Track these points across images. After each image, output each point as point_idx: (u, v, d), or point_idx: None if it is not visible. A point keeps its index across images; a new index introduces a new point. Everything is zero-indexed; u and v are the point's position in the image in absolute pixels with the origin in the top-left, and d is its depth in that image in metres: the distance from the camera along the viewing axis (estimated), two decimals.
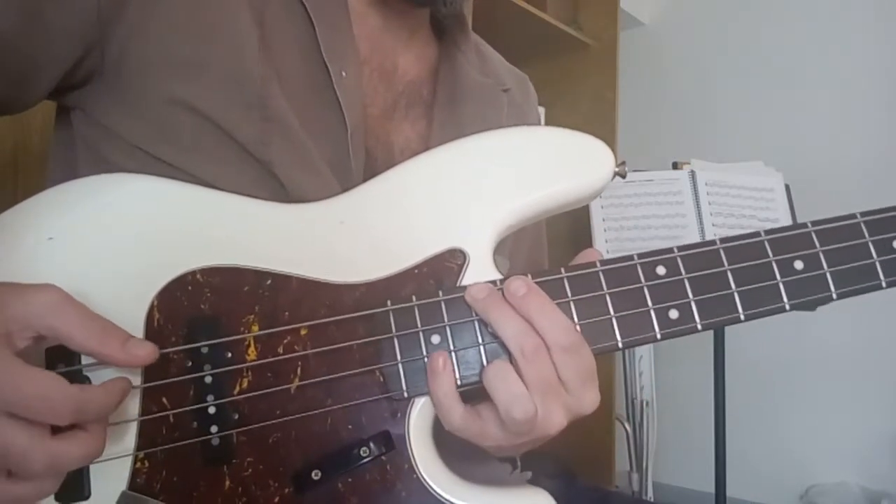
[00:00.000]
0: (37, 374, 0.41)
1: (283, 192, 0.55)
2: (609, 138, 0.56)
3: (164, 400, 0.48)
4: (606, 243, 1.81)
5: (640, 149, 2.41)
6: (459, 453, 0.52)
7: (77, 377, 0.46)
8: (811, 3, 2.42)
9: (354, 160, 0.59)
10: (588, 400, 0.49)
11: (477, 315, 0.50)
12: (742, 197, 1.79)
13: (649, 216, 1.79)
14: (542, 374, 0.47)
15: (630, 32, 2.72)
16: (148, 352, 0.45)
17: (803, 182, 1.91)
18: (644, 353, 2.41)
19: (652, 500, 2.37)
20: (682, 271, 0.52)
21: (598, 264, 0.52)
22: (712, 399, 1.87)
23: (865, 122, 2.29)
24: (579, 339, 0.48)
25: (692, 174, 1.80)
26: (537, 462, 0.73)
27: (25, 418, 0.40)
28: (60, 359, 0.45)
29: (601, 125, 2.34)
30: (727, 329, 1.88)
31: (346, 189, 0.56)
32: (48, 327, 0.42)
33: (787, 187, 1.82)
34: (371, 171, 0.58)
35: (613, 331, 0.51)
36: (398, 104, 0.67)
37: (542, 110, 0.78)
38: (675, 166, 1.86)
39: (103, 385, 0.44)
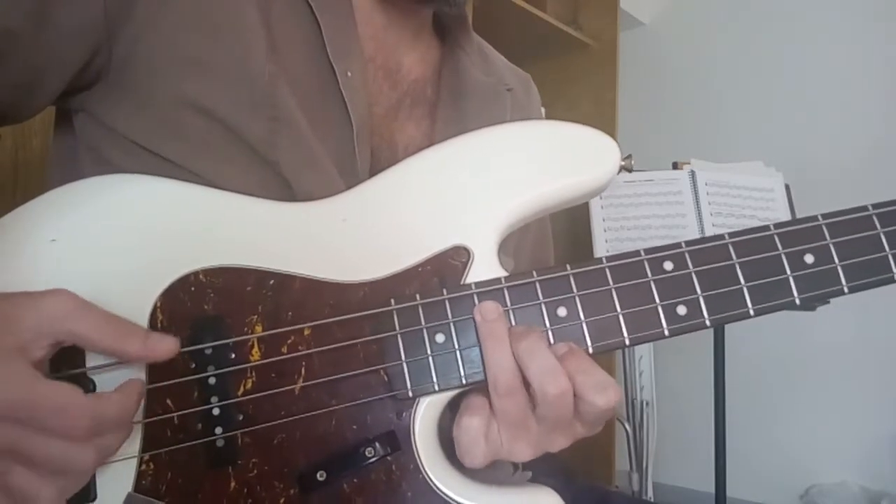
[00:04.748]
0: (53, 387, 0.40)
1: (289, 191, 0.55)
2: None
3: (169, 401, 0.47)
4: (606, 243, 1.80)
5: (640, 149, 2.39)
6: None
7: (82, 380, 0.45)
8: (811, 4, 2.43)
9: (360, 160, 0.59)
10: (594, 432, 0.50)
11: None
12: (742, 197, 1.79)
13: (649, 216, 1.79)
14: (566, 415, 0.48)
15: (630, 32, 2.72)
16: (169, 345, 0.44)
17: (803, 182, 1.91)
18: (644, 353, 2.41)
19: (652, 500, 2.37)
20: (690, 266, 0.51)
21: (604, 260, 0.51)
22: (712, 399, 1.86)
23: (866, 122, 2.29)
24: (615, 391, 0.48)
25: (692, 174, 1.79)
26: (537, 462, 0.73)
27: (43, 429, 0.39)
28: (63, 362, 0.45)
29: (601, 125, 2.32)
30: (727, 329, 1.88)
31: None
32: (66, 332, 0.41)
33: (787, 187, 1.82)
34: (376, 170, 0.58)
35: (620, 327, 0.50)
36: (402, 103, 0.67)
37: (542, 111, 0.78)
38: (675, 166, 1.86)
39: (119, 389, 0.43)
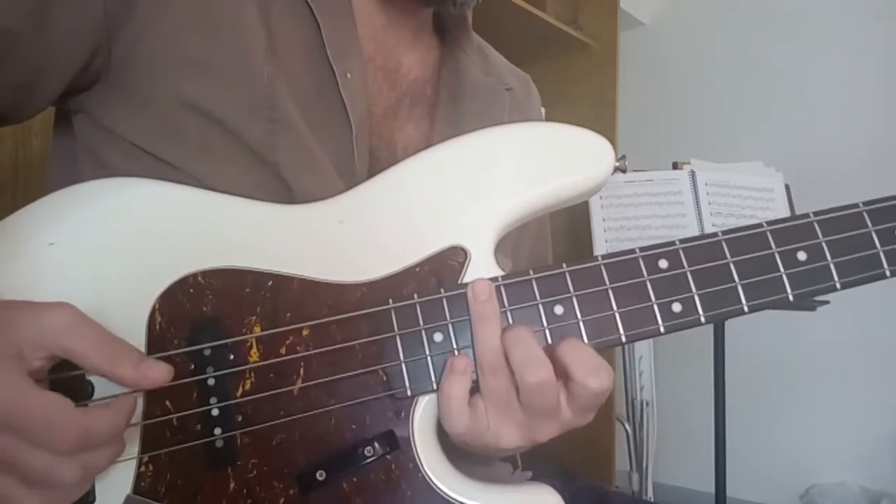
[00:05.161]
0: (44, 398, 0.39)
1: (288, 193, 0.55)
2: (609, 138, 0.57)
3: (168, 403, 0.47)
4: (606, 243, 1.80)
5: (640, 149, 2.41)
6: (461, 454, 0.52)
7: (81, 383, 0.45)
8: (811, 4, 2.43)
9: (358, 161, 0.59)
10: (585, 420, 0.50)
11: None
12: (742, 197, 1.79)
13: (649, 216, 1.79)
14: (549, 404, 0.48)
15: (630, 32, 2.73)
16: (161, 373, 0.43)
17: (803, 182, 1.91)
18: (644, 352, 2.41)
19: (652, 500, 2.37)
20: (685, 264, 0.52)
21: (599, 258, 0.52)
22: (712, 399, 1.86)
23: (866, 122, 2.29)
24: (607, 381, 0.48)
25: (692, 174, 1.79)
26: (537, 462, 0.73)
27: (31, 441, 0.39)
28: (64, 363, 0.44)
29: (601, 125, 2.34)
30: (727, 329, 1.88)
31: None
32: (61, 347, 0.41)
33: (787, 187, 1.82)
34: (375, 171, 0.58)
35: (616, 325, 0.51)
36: (402, 104, 0.67)
37: (542, 111, 0.79)
38: (675, 166, 1.86)
39: (112, 406, 0.42)
